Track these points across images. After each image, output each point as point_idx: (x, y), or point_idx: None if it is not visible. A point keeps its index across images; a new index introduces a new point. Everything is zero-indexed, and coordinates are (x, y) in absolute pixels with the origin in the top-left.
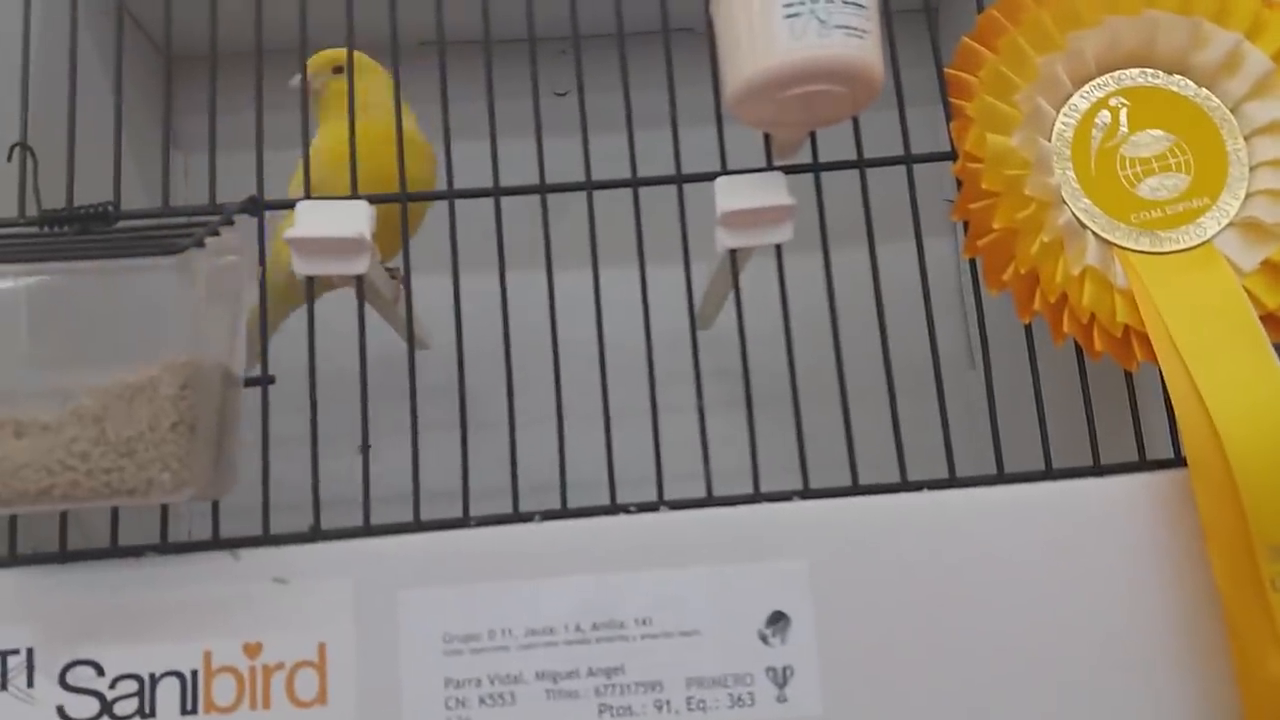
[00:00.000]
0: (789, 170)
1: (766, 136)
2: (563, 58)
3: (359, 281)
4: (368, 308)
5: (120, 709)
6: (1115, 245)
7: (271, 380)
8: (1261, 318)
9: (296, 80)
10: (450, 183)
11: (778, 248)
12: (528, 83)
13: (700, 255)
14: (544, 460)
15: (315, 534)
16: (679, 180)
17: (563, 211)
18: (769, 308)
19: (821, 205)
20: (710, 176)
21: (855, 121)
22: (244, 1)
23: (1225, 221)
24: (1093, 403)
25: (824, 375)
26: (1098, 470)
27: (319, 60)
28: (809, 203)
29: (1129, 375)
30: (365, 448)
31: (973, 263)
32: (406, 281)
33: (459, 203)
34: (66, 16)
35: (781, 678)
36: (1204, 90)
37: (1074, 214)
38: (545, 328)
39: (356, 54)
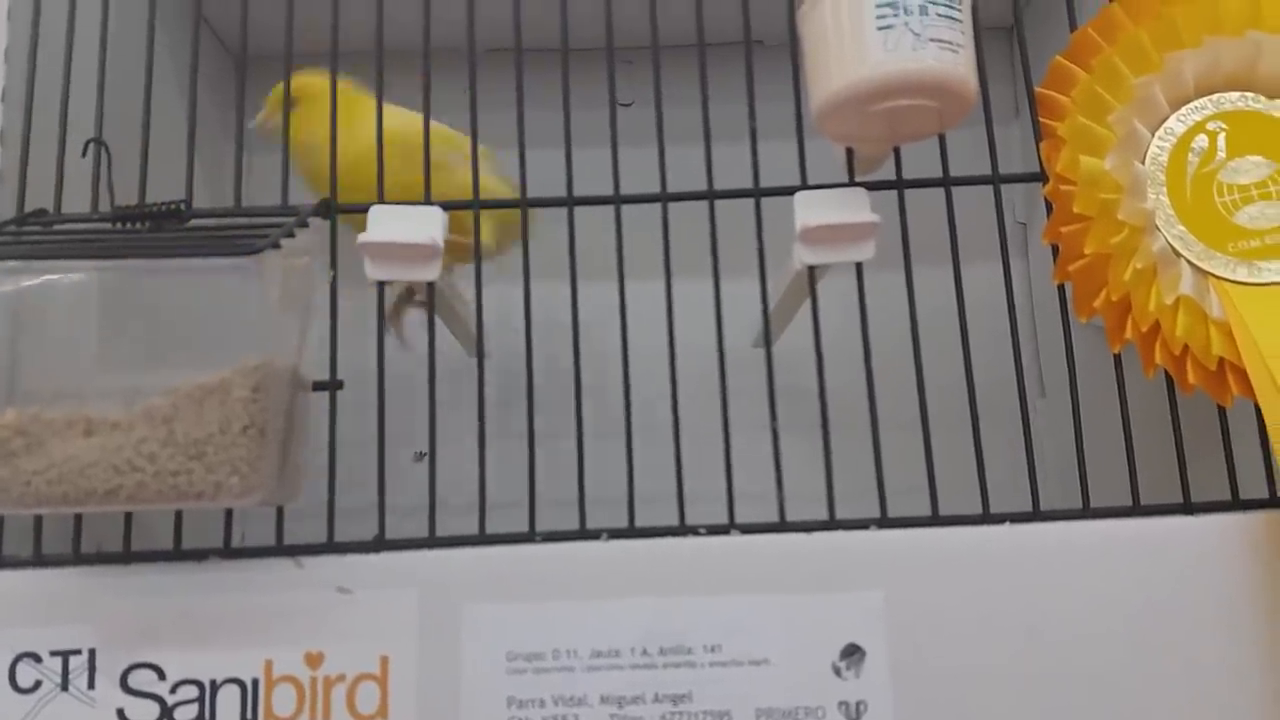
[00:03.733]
0: (871, 187)
1: (849, 152)
2: (628, 67)
3: (430, 288)
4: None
5: (180, 715)
6: (1211, 274)
7: (340, 385)
8: None
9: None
10: (524, 192)
11: (858, 266)
12: (592, 92)
13: (761, 271)
14: (606, 472)
15: (380, 543)
16: (757, 194)
17: (631, 224)
18: (833, 327)
19: (905, 223)
20: (789, 191)
21: (941, 139)
22: (318, 5)
23: None
24: (1183, 438)
25: (889, 399)
26: (1188, 508)
27: (273, 99)
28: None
29: (1222, 410)
30: (431, 455)
31: (1061, 289)
32: (477, 291)
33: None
34: (142, 19)
35: (854, 712)
36: None
37: (1168, 241)
38: (609, 339)
39: (308, 82)
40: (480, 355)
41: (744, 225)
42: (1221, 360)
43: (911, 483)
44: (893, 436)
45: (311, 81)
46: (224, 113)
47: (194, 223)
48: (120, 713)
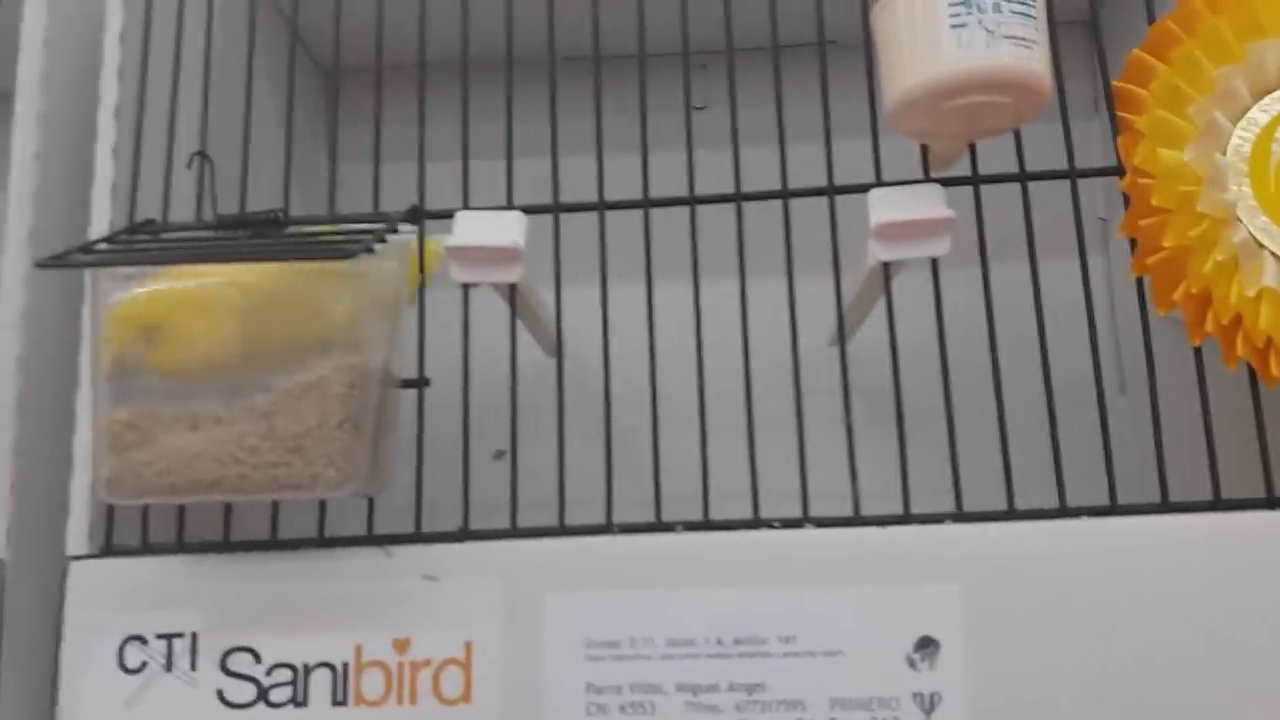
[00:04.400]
0: (946, 183)
1: (923, 148)
2: (702, 72)
3: (512, 290)
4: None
5: (275, 696)
6: None
7: (427, 383)
8: None
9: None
10: (600, 194)
11: (934, 263)
12: (666, 97)
13: (836, 269)
14: (682, 471)
15: (464, 534)
16: (831, 192)
17: (704, 227)
18: (908, 325)
19: (981, 219)
20: (864, 188)
21: (1017, 134)
22: (406, 20)
23: None
24: (1265, 432)
25: (966, 396)
26: (1271, 503)
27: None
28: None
29: None
30: (512, 451)
31: (1140, 282)
32: (557, 293)
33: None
34: (242, 39)
35: (929, 704)
36: None
37: (1250, 232)
38: (684, 339)
39: None
40: (560, 356)
41: (818, 225)
42: None
43: (987, 479)
44: (968, 434)
45: None
46: (315, 126)
47: (291, 229)
48: (219, 694)
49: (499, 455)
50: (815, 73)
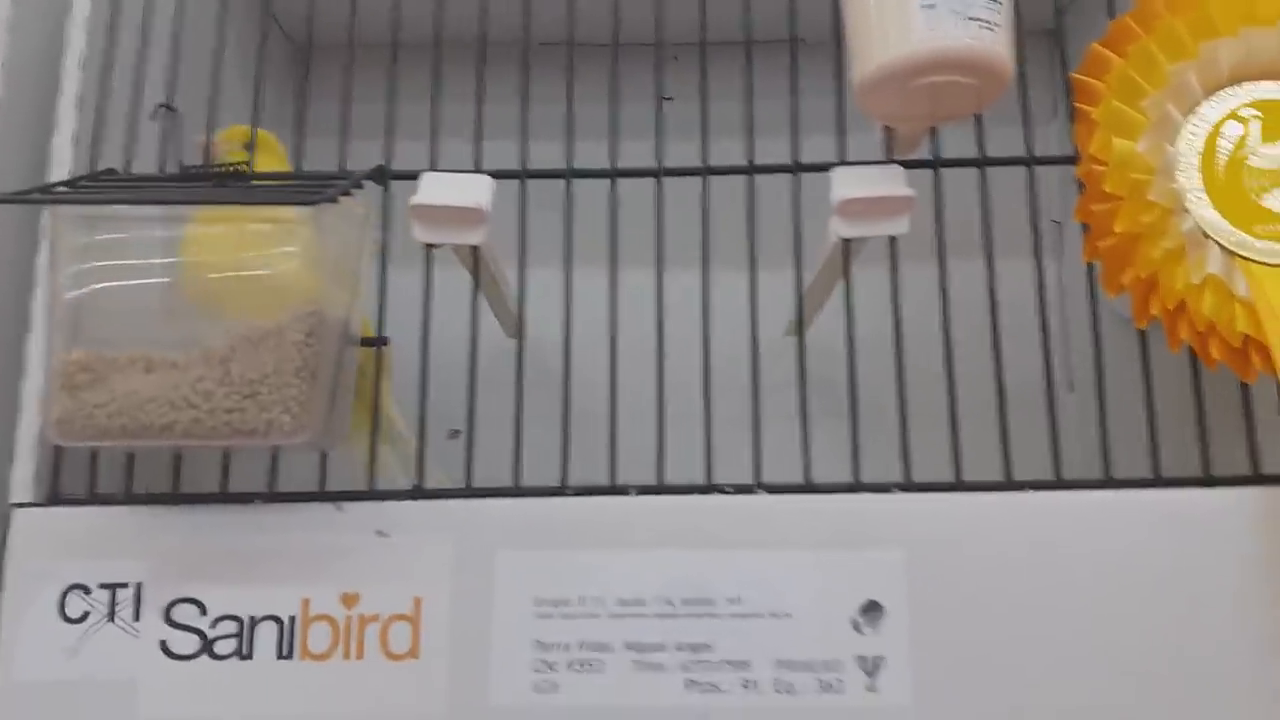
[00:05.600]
0: (908, 165)
1: (887, 131)
2: (673, 63)
3: (475, 252)
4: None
5: (220, 648)
6: (1239, 255)
7: (385, 341)
8: None
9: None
10: (569, 161)
11: (892, 244)
12: (635, 88)
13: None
14: (637, 451)
15: (418, 492)
16: (795, 169)
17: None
18: (864, 319)
19: (940, 202)
20: (828, 166)
21: (978, 119)
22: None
23: None
24: (1206, 414)
25: (917, 384)
26: (1208, 481)
27: (233, 132)
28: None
29: (1245, 387)
30: (470, 411)
31: (1091, 272)
32: (520, 261)
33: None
34: (211, 5)
35: (871, 667)
36: None
37: (1197, 222)
38: (643, 314)
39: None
40: (521, 322)
41: (779, 213)
42: (1246, 338)
43: (935, 460)
44: (920, 418)
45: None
46: (284, 97)
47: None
48: (163, 644)
49: (453, 435)
50: (783, 68)
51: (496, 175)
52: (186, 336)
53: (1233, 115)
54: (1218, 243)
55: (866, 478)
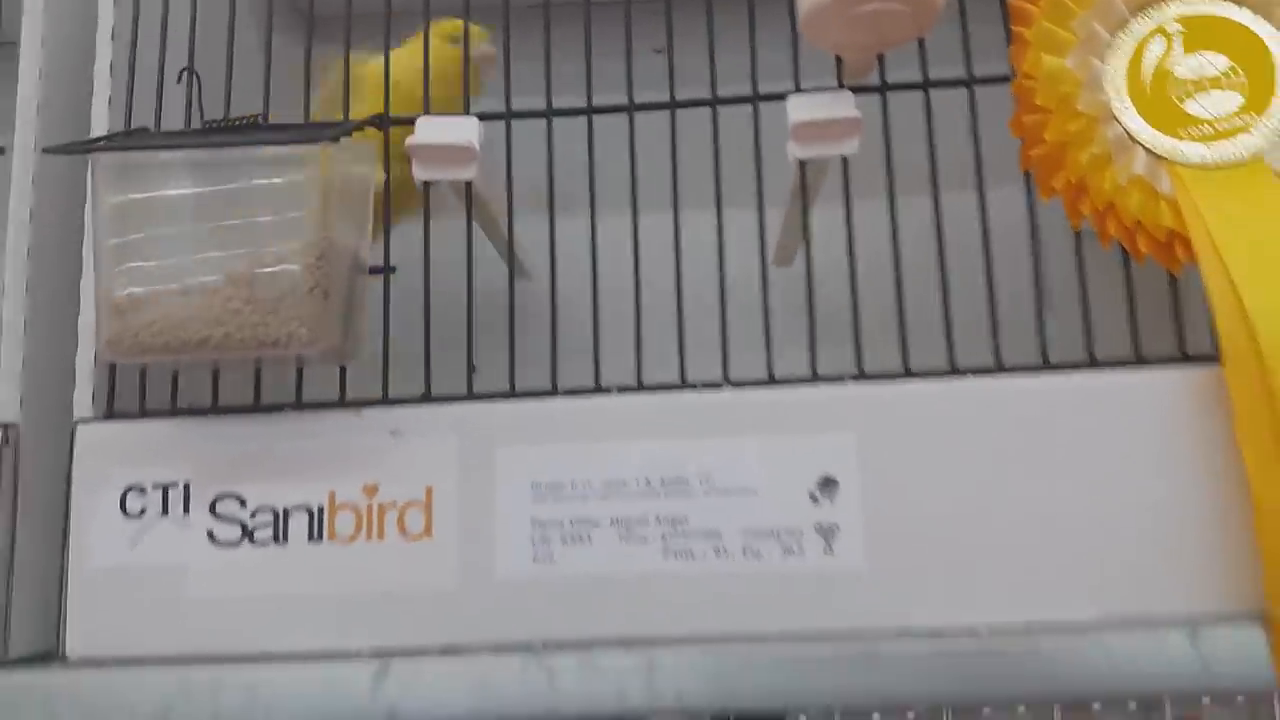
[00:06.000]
0: (856, 90)
1: (839, 60)
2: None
3: (468, 188)
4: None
5: (258, 536)
6: (1163, 158)
7: (394, 270)
8: None
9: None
10: (549, 102)
11: (844, 165)
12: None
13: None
14: (620, 363)
15: (426, 398)
16: (755, 99)
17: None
18: (836, 246)
19: (887, 124)
20: (784, 95)
21: (921, 43)
22: None
23: (1274, 137)
24: (1136, 302)
25: (871, 288)
26: (1139, 361)
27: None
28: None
29: (1173, 277)
30: (469, 323)
31: (1027, 177)
32: (509, 199)
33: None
34: None
35: (828, 533)
36: (1259, 17)
37: (1124, 129)
38: (622, 240)
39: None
40: (512, 264)
41: (743, 150)
42: (1171, 233)
43: (888, 356)
44: (872, 321)
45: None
46: (293, 59)
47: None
48: (209, 533)
49: (472, 369)
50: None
51: (483, 118)
52: (216, 266)
53: (1158, 30)
54: (1144, 147)
55: (823, 364)
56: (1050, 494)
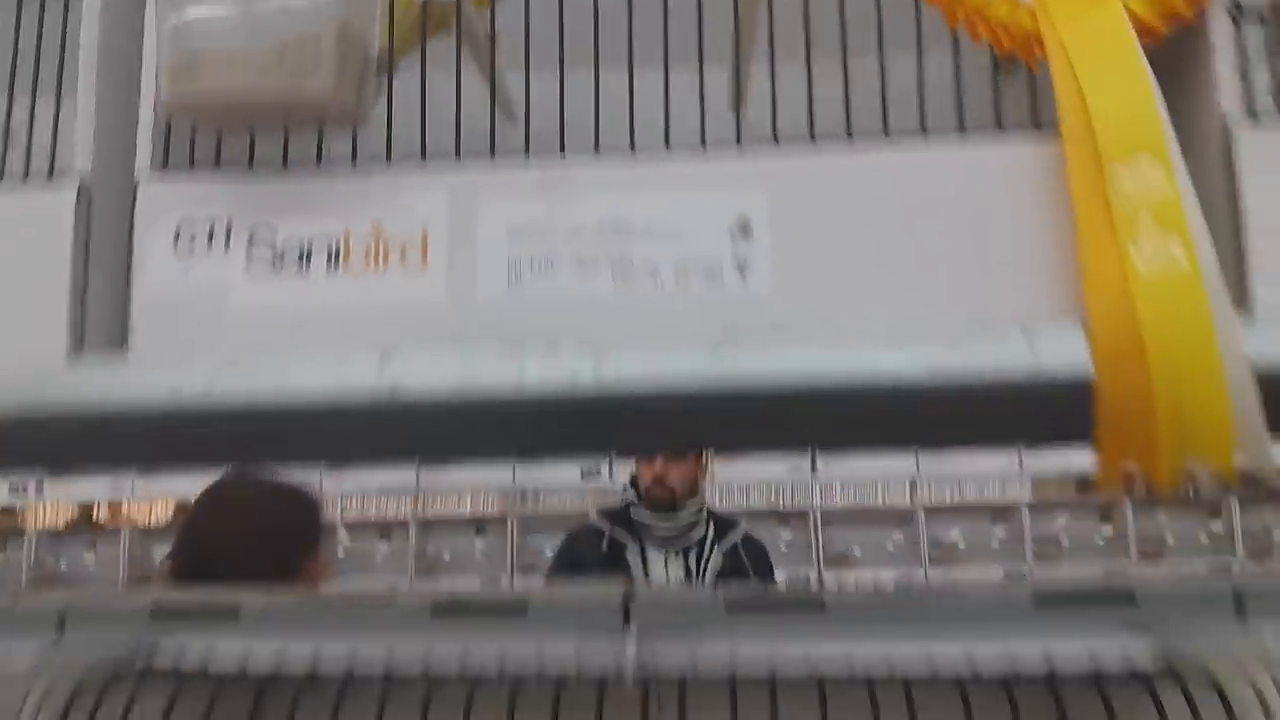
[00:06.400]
0: None
1: None
2: None
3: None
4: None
5: (288, 265)
6: None
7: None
8: (1136, 28)
9: None
10: None
11: None
12: None
13: None
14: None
15: (424, 162)
16: None
17: None
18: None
19: None
20: None
21: None
22: None
23: None
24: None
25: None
26: (999, 128)
27: None
28: None
29: (1030, 74)
30: (456, 92)
31: None
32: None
33: None
34: None
35: (744, 265)
36: None
37: None
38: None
39: None
40: (492, 85)
41: None
42: (1030, 34)
43: (800, 126)
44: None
45: None
46: None
47: None
48: (246, 263)
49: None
50: None
51: None
52: (254, 41)
53: None
54: None
55: (745, 139)
56: (924, 241)
